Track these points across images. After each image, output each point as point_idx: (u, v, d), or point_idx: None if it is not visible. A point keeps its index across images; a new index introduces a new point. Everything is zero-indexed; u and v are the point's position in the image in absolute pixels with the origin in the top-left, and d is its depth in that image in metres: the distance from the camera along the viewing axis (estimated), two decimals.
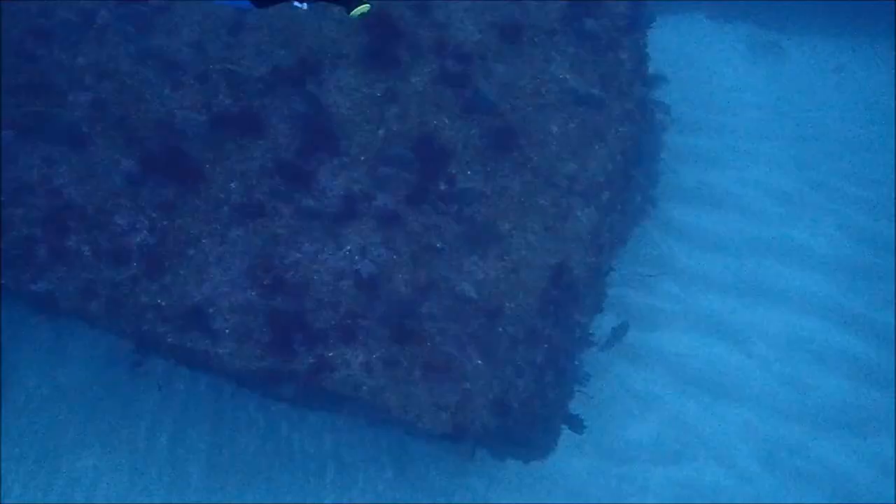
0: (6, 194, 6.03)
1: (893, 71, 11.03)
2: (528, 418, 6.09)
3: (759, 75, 10.98)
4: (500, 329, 6.19)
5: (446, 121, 6.66)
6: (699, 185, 9.68)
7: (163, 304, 5.97)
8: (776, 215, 9.66)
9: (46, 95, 6.25)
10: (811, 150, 10.28)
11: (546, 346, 6.28)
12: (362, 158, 6.48)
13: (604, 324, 7.88)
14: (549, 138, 6.69)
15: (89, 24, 6.50)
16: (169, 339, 5.92)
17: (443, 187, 6.47)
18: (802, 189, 9.91)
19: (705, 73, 10.69)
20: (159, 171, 6.24)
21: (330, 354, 5.96)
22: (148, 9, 6.61)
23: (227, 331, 5.96)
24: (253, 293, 6.06)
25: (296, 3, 2.54)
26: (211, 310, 5.98)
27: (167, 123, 6.37)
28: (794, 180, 10.00)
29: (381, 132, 6.57)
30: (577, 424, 6.79)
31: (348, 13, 2.55)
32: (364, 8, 2.58)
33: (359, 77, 6.69)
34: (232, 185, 6.31)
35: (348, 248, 6.24)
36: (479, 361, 6.09)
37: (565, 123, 6.75)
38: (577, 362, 6.72)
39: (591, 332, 7.07)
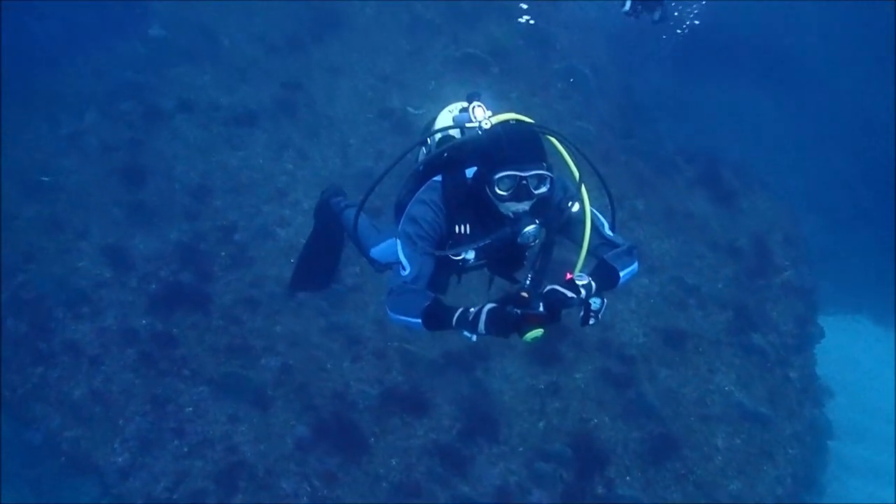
0: (190, 446, 6.52)
1: None
2: None
3: None
4: None
5: (607, 420, 6.71)
6: (868, 501, 8.89)
7: None
8: None
9: (244, 357, 6.92)
10: None
11: None
12: (520, 449, 6.56)
13: None
14: (714, 452, 6.53)
15: (292, 297, 7.31)
16: None
17: (600, 490, 6.36)
18: None
19: (871, 379, 10.26)
20: (328, 440, 6.57)
21: None
22: (342, 288, 7.39)
23: None
24: None
25: (465, 334, 2.77)
26: None
27: (342, 394, 6.81)
28: None
29: (541, 425, 6.69)
30: None
31: (521, 337, 2.75)
32: (537, 333, 2.77)
33: (524, 368, 6.98)
34: (393, 461, 6.51)
35: None
36: None
37: (731, 438, 6.61)
38: None
39: None
